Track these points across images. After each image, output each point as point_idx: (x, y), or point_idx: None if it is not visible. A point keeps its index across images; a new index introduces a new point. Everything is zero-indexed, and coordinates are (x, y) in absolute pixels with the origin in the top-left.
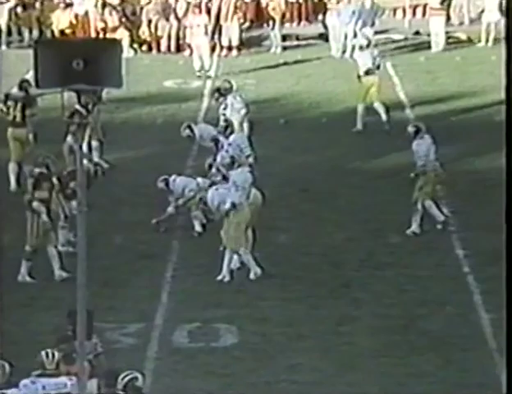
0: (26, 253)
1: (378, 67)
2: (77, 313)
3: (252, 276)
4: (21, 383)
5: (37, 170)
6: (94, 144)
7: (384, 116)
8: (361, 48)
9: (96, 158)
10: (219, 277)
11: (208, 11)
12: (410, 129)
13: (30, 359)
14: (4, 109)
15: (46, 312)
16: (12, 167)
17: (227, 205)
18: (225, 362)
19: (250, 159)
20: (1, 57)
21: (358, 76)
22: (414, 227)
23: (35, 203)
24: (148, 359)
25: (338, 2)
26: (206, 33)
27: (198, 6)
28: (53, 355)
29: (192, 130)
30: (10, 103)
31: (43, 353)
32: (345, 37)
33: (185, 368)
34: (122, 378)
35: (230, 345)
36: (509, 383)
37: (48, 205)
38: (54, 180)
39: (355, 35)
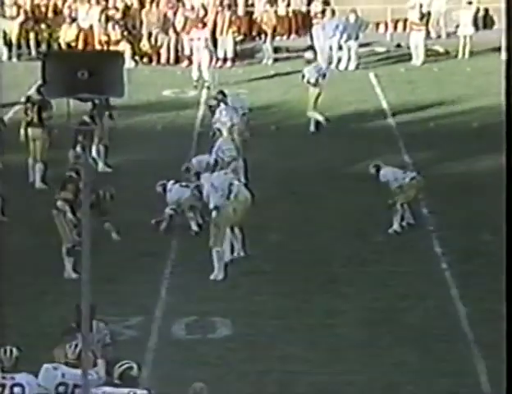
0: (66, 250)
1: (324, 76)
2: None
3: (212, 276)
4: (44, 367)
5: (67, 173)
6: (101, 148)
7: (322, 120)
8: (308, 62)
9: (101, 163)
10: (211, 277)
11: (204, 25)
12: (372, 169)
13: (39, 349)
14: (24, 110)
15: (55, 306)
16: (39, 167)
17: (210, 206)
18: (220, 353)
19: (234, 163)
20: (1, 69)
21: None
22: (396, 227)
23: (59, 203)
24: (149, 350)
25: (323, 17)
26: (207, 46)
27: (201, 21)
28: (76, 346)
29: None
30: (29, 104)
31: (67, 346)
32: (330, 49)
33: (182, 358)
34: (118, 367)
35: (224, 336)
36: (510, 383)
37: (71, 205)
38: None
39: (340, 48)
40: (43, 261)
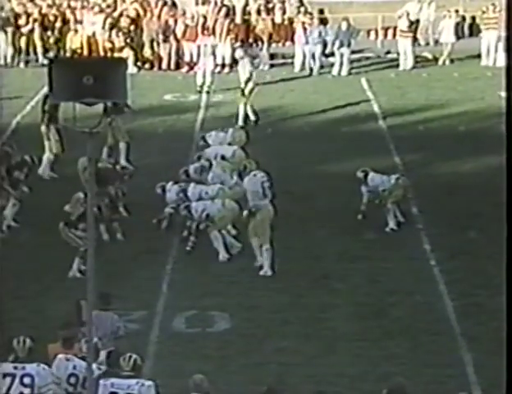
0: (79, 252)
1: (251, 75)
2: (84, 302)
3: (261, 272)
4: (34, 371)
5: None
6: (122, 145)
7: (253, 118)
8: (236, 62)
9: (123, 160)
10: (261, 273)
11: (213, 32)
12: (359, 174)
13: (44, 342)
14: (41, 108)
15: (60, 301)
16: (48, 158)
17: (251, 208)
18: (218, 346)
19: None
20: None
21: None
22: (392, 225)
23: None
24: (151, 343)
25: (310, 25)
26: (213, 53)
27: (207, 28)
28: (24, 341)
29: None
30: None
31: (14, 340)
32: (313, 56)
33: (183, 351)
34: (129, 358)
35: (223, 330)
36: (509, 383)
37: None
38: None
39: (333, 54)
40: (51, 257)
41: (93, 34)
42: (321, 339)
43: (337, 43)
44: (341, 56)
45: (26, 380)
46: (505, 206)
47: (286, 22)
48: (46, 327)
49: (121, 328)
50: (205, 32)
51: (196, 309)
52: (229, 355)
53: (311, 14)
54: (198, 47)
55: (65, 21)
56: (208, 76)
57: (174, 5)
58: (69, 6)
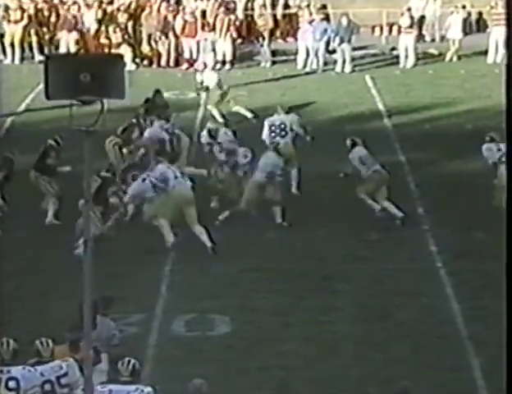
0: (52, 197)
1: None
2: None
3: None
4: (19, 374)
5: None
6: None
7: (220, 120)
8: (205, 66)
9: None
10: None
11: (213, 28)
12: (348, 142)
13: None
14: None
15: (60, 302)
16: None
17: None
18: (219, 349)
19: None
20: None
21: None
22: (377, 207)
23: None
24: (150, 346)
25: (311, 21)
26: (213, 49)
27: (208, 24)
28: (48, 343)
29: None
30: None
31: (37, 342)
32: (316, 53)
33: (182, 354)
34: (127, 363)
35: (223, 333)
36: (509, 384)
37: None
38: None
39: (334, 51)
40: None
41: (89, 30)
42: (324, 342)
43: (337, 40)
44: (343, 52)
45: (11, 384)
46: (505, 205)
47: (289, 18)
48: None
49: (117, 336)
50: (206, 28)
51: (196, 311)
52: (229, 359)
53: (315, 9)
54: (198, 42)
55: (59, 16)
56: (208, 73)
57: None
58: (62, 1)
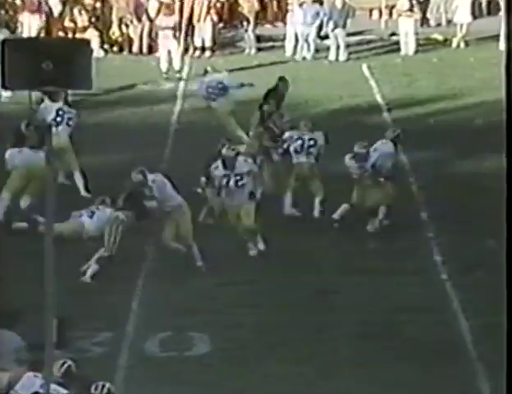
0: (98, 257)
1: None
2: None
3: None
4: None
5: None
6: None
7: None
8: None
9: None
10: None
11: (181, 12)
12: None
13: None
14: None
15: None
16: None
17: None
18: (198, 371)
19: None
20: None
21: None
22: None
23: (119, 213)
24: (119, 368)
25: (302, 4)
26: (175, 35)
27: (168, 6)
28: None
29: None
30: None
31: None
32: (306, 38)
33: (157, 377)
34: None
35: (203, 353)
36: (510, 384)
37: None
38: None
39: (327, 37)
40: None
41: (52, 12)
42: (317, 363)
43: (331, 24)
44: (336, 38)
45: None
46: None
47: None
48: None
49: (23, 353)
50: (166, 11)
51: (171, 329)
52: (209, 382)
53: None
54: (161, 28)
55: None
56: (176, 61)
57: None
58: None
